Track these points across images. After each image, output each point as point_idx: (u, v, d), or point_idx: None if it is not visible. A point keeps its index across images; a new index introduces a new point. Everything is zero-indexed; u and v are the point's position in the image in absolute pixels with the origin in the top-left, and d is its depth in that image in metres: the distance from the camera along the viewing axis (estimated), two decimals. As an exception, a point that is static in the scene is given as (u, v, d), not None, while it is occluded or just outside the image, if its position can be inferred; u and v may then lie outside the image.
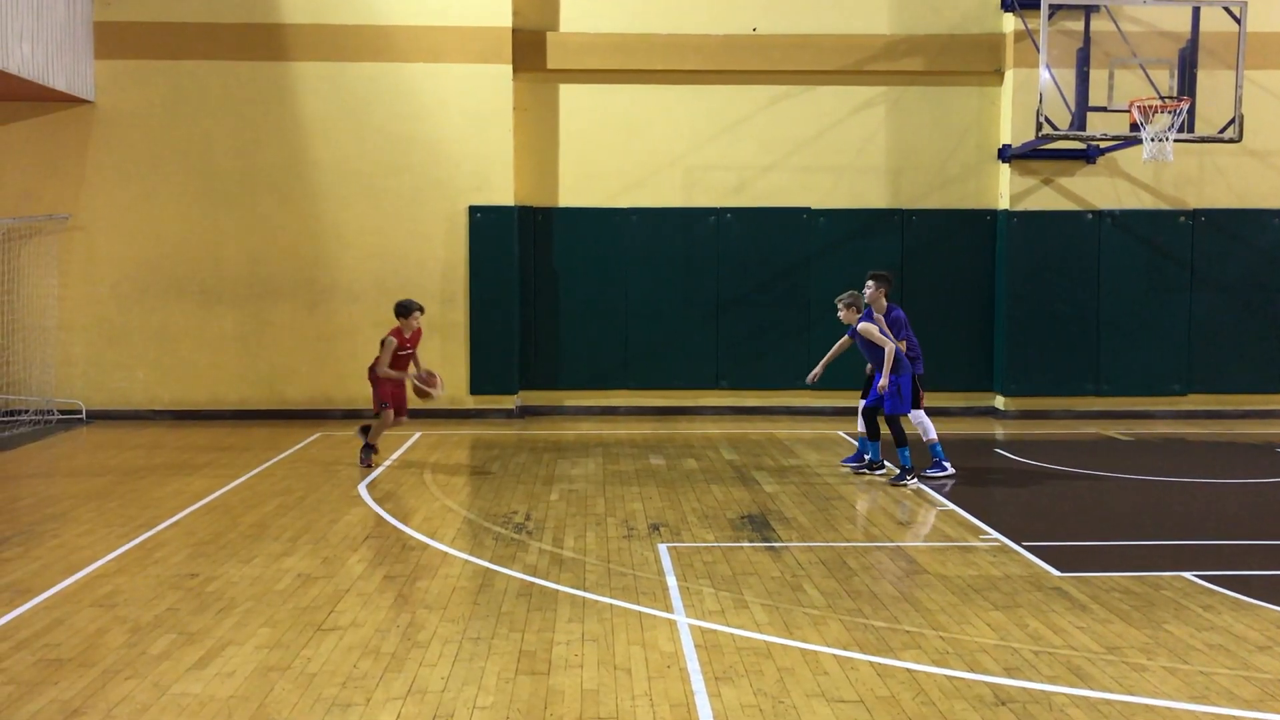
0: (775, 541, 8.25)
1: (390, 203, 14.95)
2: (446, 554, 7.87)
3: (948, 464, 10.83)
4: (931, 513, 9.36)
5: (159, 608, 6.60)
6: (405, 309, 11.45)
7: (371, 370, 11.45)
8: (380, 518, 9.03)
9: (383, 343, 11.31)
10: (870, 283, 10.87)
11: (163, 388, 14.92)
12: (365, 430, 11.70)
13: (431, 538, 8.33)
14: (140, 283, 14.85)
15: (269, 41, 14.78)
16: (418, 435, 13.50)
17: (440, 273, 15.03)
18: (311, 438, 13.28)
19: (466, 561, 7.66)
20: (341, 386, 14.99)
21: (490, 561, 7.65)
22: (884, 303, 10.86)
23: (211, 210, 14.88)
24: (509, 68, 14.87)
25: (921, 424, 10.83)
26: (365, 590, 6.98)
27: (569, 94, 15.34)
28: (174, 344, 14.91)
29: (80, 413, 14.67)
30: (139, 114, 14.77)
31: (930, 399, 15.23)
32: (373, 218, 14.96)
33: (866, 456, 11.06)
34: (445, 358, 14.98)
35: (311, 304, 14.99)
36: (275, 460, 11.71)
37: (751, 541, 8.25)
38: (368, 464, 11.34)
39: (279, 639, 6.05)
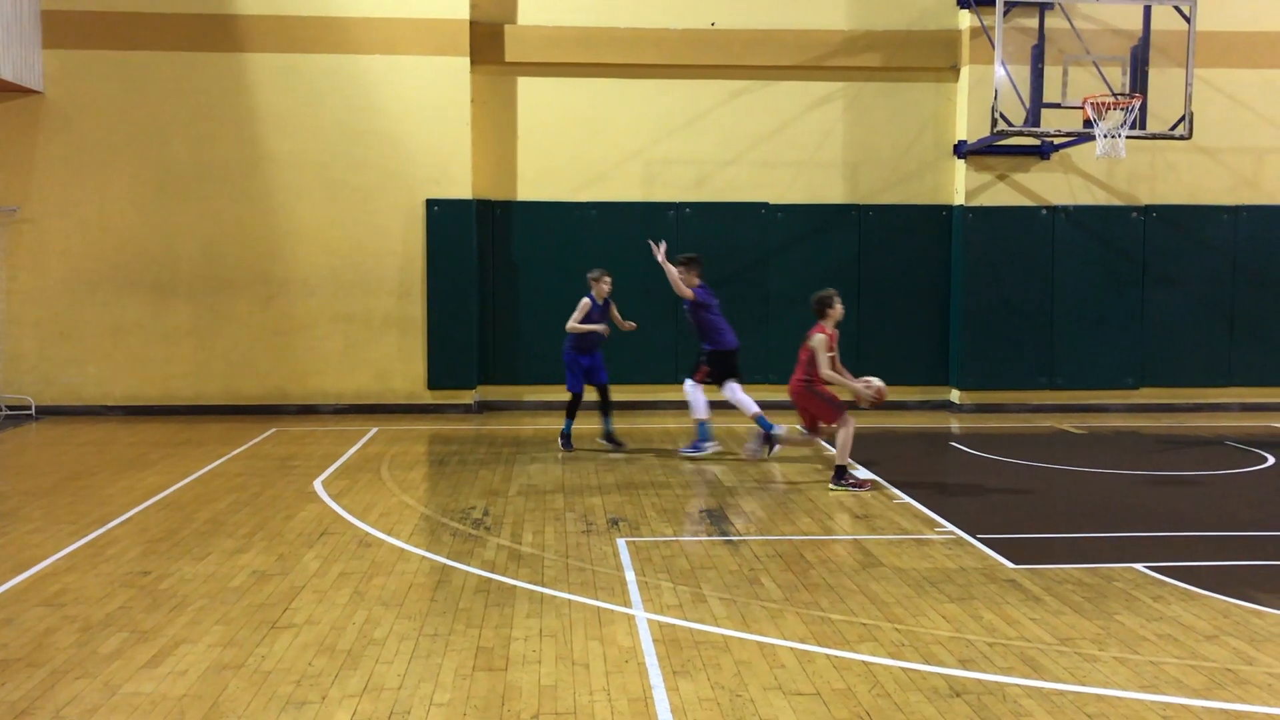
0: (733, 535, 8.27)
1: (347, 196, 14.82)
2: (403, 550, 7.82)
3: (707, 445, 11.52)
4: (888, 506, 9.42)
5: (110, 606, 6.50)
6: (830, 299, 9.84)
7: (805, 386, 9.89)
8: (336, 514, 8.95)
9: (811, 346, 9.76)
10: (680, 267, 11.32)
11: (115, 383, 14.71)
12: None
13: (388, 534, 8.27)
14: (91, 276, 14.62)
15: (223, 32, 14.60)
16: (375, 430, 13.41)
17: (397, 266, 14.92)
18: (267, 433, 13.14)
19: (424, 558, 7.62)
20: (297, 381, 14.87)
21: (448, 557, 7.62)
22: (696, 281, 11.42)
23: (165, 203, 14.68)
24: (466, 60, 14.79)
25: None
26: (321, 587, 6.92)
27: (527, 87, 15.27)
28: (126, 338, 14.70)
29: (29, 409, 14.43)
30: (89, 105, 14.53)
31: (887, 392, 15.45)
32: (329, 211, 14.82)
33: (774, 431, 11.30)
34: (402, 353, 14.93)
35: (267, 298, 14.83)
36: (229, 456, 11.58)
37: (710, 535, 8.27)
38: (855, 485, 9.86)
39: (233, 637, 5.99)
